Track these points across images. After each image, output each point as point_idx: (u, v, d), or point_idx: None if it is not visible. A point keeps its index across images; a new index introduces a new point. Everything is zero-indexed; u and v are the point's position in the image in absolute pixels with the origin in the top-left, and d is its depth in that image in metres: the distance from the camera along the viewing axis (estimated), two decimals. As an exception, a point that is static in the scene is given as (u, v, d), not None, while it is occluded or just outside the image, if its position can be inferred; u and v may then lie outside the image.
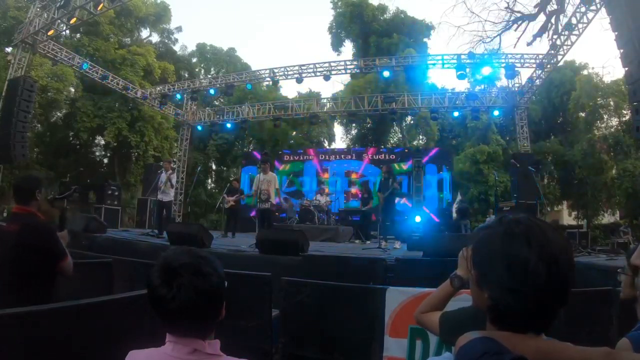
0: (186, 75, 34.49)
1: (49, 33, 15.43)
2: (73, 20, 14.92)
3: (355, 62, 19.85)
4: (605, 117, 28.35)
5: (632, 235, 19.73)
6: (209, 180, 38.68)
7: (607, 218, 29.80)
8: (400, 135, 34.84)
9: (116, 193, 17.79)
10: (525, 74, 17.59)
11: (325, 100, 23.89)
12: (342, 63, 19.15)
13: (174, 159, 21.70)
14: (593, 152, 26.41)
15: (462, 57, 16.44)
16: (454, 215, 17.25)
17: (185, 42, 57.68)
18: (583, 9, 12.59)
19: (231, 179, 19.54)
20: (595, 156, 26.31)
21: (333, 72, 18.38)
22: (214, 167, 38.11)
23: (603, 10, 10.83)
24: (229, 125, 22.38)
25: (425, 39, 33.46)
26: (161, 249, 7.23)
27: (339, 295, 4.26)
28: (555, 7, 13.75)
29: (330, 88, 78.51)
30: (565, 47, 14.31)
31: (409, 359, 3.55)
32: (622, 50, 9.27)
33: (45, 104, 25.21)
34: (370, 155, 22.69)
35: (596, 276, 5.24)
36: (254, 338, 3.86)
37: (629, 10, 8.91)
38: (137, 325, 2.38)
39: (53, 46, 16.51)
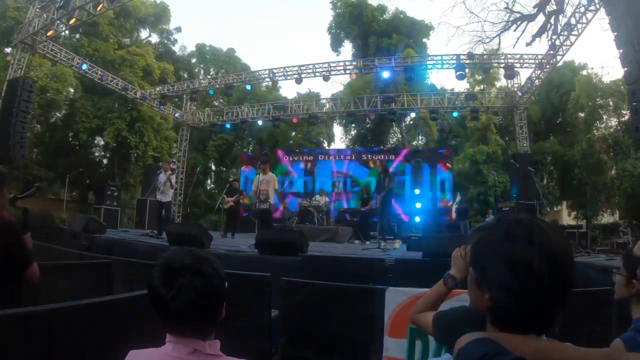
0: (185, 76, 34.47)
1: (49, 33, 15.43)
2: (72, 21, 14.92)
3: (354, 63, 19.85)
4: (605, 117, 28.34)
5: (632, 235, 19.73)
6: (209, 181, 38.70)
7: (606, 218, 29.83)
8: (399, 136, 34.84)
9: (115, 193, 17.80)
10: (524, 74, 17.66)
11: (324, 101, 23.89)
12: (342, 63, 19.15)
13: (174, 160, 21.69)
14: (592, 153, 26.40)
15: (462, 57, 16.46)
16: (454, 215, 17.25)
17: (185, 43, 57.43)
18: (582, 9, 12.60)
19: (231, 179, 19.55)
20: (594, 156, 26.29)
21: (332, 73, 18.40)
22: (213, 167, 38.12)
23: (602, 10, 10.85)
24: (228, 126, 22.38)
25: (424, 40, 33.48)
26: (161, 250, 7.23)
27: (339, 295, 4.26)
28: (554, 7, 13.77)
29: (329, 89, 78.55)
30: (564, 48, 14.32)
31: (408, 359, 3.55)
32: (621, 51, 9.28)
33: (45, 104, 25.15)
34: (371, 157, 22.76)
35: (595, 276, 5.24)
36: (253, 339, 3.86)
37: (628, 11, 8.92)
38: (137, 326, 2.38)
39: (52, 47, 16.50)
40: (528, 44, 15.22)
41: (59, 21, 14.97)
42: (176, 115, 22.86)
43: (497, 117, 28.65)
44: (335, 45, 35.37)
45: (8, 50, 22.07)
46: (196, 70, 38.45)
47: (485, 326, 1.11)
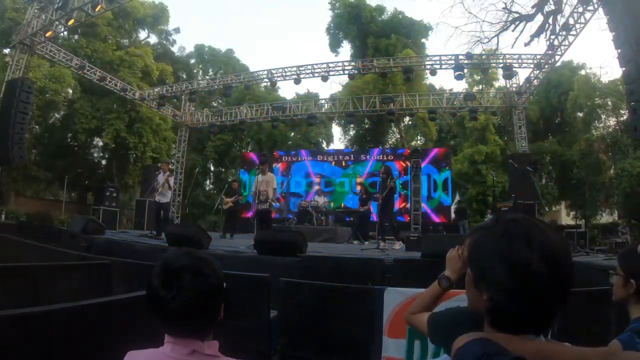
0: (184, 77, 34.50)
1: (47, 34, 15.40)
2: (71, 22, 14.90)
3: (353, 63, 19.85)
4: (603, 117, 28.38)
5: (631, 234, 19.76)
6: (208, 182, 38.71)
7: (605, 218, 29.83)
8: (398, 136, 34.87)
9: (114, 194, 17.81)
10: (523, 74, 17.69)
11: (323, 101, 23.90)
12: (340, 64, 19.15)
13: (172, 160, 21.68)
14: (591, 152, 26.44)
15: (460, 57, 16.47)
16: (453, 215, 17.27)
17: (184, 44, 57.63)
18: (580, 9, 12.61)
19: (230, 180, 19.55)
20: (593, 156, 26.33)
21: (331, 73, 18.41)
22: (212, 168, 38.13)
23: (600, 10, 10.85)
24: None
25: (423, 40, 33.55)
26: (160, 251, 7.23)
27: (337, 296, 4.26)
28: (552, 7, 13.76)
29: (328, 89, 78.57)
30: (563, 48, 14.34)
31: (407, 360, 3.56)
32: (619, 50, 9.28)
33: (43, 105, 25.12)
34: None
35: (595, 276, 5.25)
36: (252, 339, 3.86)
37: (626, 10, 8.93)
38: (136, 326, 2.38)
39: (51, 47, 16.48)
40: (526, 44, 15.19)
41: (57, 22, 14.96)
42: (175, 115, 22.86)
43: (496, 117, 28.68)
44: (334, 46, 35.46)
45: (6, 51, 22.06)
46: (195, 71, 38.49)
47: (480, 326, 1.10)
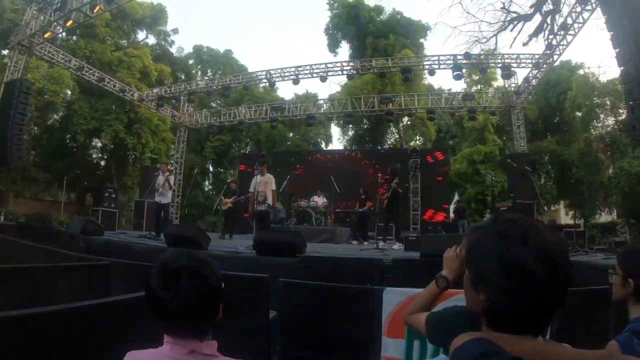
0: (183, 77, 34.47)
1: (46, 35, 15.41)
2: (69, 23, 14.91)
3: (351, 63, 19.86)
4: (602, 116, 28.45)
5: (630, 233, 19.79)
6: (207, 182, 38.71)
7: (604, 217, 29.89)
8: (397, 136, 34.87)
9: (113, 195, 17.79)
10: (521, 74, 17.72)
11: (322, 102, 23.91)
12: (339, 64, 19.16)
13: (171, 161, 21.67)
14: (590, 152, 26.49)
15: (459, 57, 16.49)
16: (452, 215, 17.25)
17: (182, 44, 57.61)
18: (579, 9, 12.63)
19: (229, 180, 19.53)
20: (592, 155, 26.38)
21: (330, 74, 18.41)
22: (211, 168, 38.13)
23: (598, 10, 10.86)
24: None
25: (421, 40, 33.56)
26: (159, 251, 7.22)
27: (337, 296, 4.26)
28: (551, 7, 13.78)
29: (327, 89, 78.55)
30: (561, 47, 14.36)
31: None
32: (617, 50, 9.31)
33: (42, 106, 25.07)
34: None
35: (594, 275, 5.25)
36: (252, 340, 3.86)
37: (624, 10, 8.95)
38: (136, 327, 2.38)
39: (49, 48, 16.49)
40: (525, 44, 15.24)
41: (56, 23, 14.96)
42: (174, 116, 22.85)
43: (495, 117, 28.71)
44: (333, 46, 35.44)
45: (5, 52, 22.03)
46: (193, 71, 38.45)
47: (478, 326, 1.10)
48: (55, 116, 28.88)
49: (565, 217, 34.02)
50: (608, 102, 27.15)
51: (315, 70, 18.29)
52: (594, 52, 62.98)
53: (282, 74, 18.66)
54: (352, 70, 19.39)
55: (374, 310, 3.82)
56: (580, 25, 12.92)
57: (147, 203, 16.68)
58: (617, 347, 1.54)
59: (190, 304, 1.29)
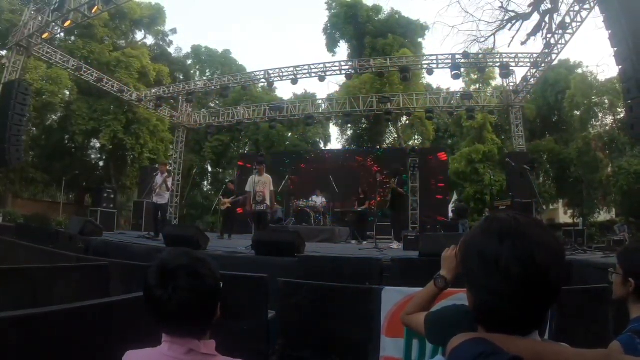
0: (181, 78, 34.44)
1: (44, 36, 15.39)
2: (67, 23, 14.88)
3: (350, 63, 19.86)
4: (600, 115, 28.49)
5: (628, 232, 19.83)
6: (205, 182, 38.69)
7: (603, 216, 29.94)
8: (395, 136, 34.88)
9: (112, 196, 17.76)
10: (520, 73, 17.74)
11: (320, 102, 23.91)
12: (337, 64, 19.16)
13: (170, 162, 21.66)
14: (588, 151, 26.52)
15: (457, 57, 16.49)
16: (451, 215, 17.24)
17: (180, 44, 57.50)
18: (577, 8, 12.65)
19: (227, 181, 19.53)
20: (590, 154, 26.42)
21: (328, 73, 18.41)
22: (209, 169, 38.10)
23: (597, 8, 10.88)
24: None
25: (420, 39, 33.57)
26: (157, 252, 7.21)
27: (336, 295, 4.26)
28: (549, 6, 13.79)
29: (326, 89, 78.60)
30: (559, 46, 14.38)
31: (405, 359, 3.56)
32: (616, 49, 9.31)
33: (41, 107, 25.06)
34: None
35: (593, 274, 5.26)
36: (251, 339, 3.86)
37: (622, 9, 8.96)
38: (134, 327, 2.38)
39: (47, 49, 16.47)
40: (523, 43, 15.25)
41: (54, 23, 14.94)
42: (172, 116, 22.84)
43: (493, 116, 28.72)
44: (331, 46, 35.43)
45: (3, 53, 21.99)
46: (192, 71, 38.42)
47: (477, 325, 1.10)
48: (53, 117, 28.87)
49: (564, 216, 34.09)
50: (606, 101, 27.19)
51: (313, 70, 18.29)
52: (593, 51, 62.94)
53: (281, 74, 18.65)
54: (350, 70, 19.39)
55: (373, 310, 3.82)
56: (579, 24, 12.93)
57: (146, 203, 16.67)
58: (620, 348, 1.54)
59: (188, 303, 1.29)
